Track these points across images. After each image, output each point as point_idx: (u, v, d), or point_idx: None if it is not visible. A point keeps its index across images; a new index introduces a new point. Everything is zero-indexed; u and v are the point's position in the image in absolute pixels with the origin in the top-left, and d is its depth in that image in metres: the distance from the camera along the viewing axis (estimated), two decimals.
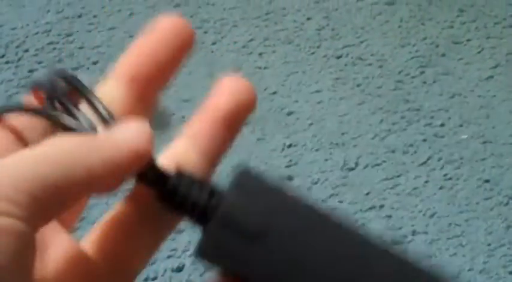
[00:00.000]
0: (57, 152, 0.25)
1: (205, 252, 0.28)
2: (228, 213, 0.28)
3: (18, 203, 0.23)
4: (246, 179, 0.29)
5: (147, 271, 1.00)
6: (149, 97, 0.30)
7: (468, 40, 1.37)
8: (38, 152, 0.24)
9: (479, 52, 1.36)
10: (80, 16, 1.35)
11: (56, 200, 0.24)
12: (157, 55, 0.29)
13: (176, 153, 0.30)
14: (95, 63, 1.27)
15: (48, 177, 0.24)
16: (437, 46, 1.37)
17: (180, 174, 0.29)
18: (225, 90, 0.30)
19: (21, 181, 0.23)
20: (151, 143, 0.27)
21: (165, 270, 1.01)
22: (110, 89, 0.29)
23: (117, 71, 0.30)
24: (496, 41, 1.37)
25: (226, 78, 0.30)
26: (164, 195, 0.28)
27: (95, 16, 1.35)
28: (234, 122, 0.30)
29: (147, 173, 0.28)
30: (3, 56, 1.25)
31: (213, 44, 1.34)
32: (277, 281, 0.28)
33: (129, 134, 0.26)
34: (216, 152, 0.30)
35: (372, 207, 1.12)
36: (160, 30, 0.29)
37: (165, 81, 0.30)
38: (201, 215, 0.29)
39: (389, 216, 1.11)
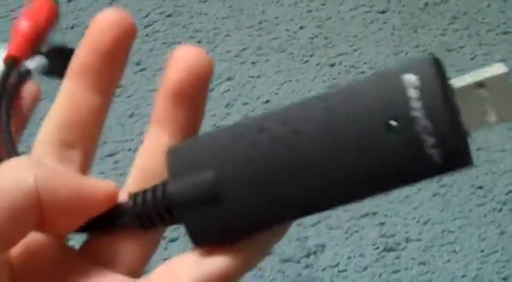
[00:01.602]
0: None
1: (199, 237, 0.28)
2: (179, 196, 0.27)
3: None
4: (176, 155, 0.28)
5: None
6: (106, 89, 0.30)
7: (461, 47, 1.37)
8: None
9: (472, 59, 1.36)
10: None
11: None
12: (100, 47, 0.30)
13: (151, 146, 0.31)
14: None
15: None
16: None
17: (134, 196, 0.29)
18: (176, 61, 0.29)
19: None
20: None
21: None
22: (69, 87, 0.30)
23: (71, 69, 0.30)
24: (489, 47, 1.37)
25: (177, 50, 0.30)
26: (137, 223, 0.29)
27: None
28: (191, 91, 0.29)
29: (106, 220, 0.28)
30: None
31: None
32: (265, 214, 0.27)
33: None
34: (185, 129, 0.30)
35: (365, 215, 1.11)
36: (100, 23, 0.30)
37: (115, 72, 0.31)
38: (167, 215, 0.29)
39: (383, 224, 1.11)
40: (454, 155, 0.24)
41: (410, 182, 0.25)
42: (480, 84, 0.26)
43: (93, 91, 0.30)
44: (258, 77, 1.31)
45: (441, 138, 0.24)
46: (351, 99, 0.25)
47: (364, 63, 1.35)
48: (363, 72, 1.33)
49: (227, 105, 1.25)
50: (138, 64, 1.30)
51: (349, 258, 1.07)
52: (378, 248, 1.08)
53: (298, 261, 1.06)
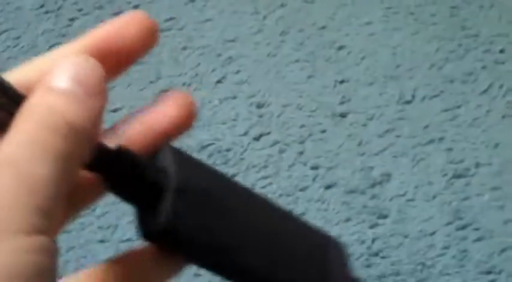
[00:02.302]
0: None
1: (174, 227, 0.28)
2: (182, 185, 0.28)
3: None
4: (177, 153, 0.29)
5: None
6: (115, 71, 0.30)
7: None
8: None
9: None
10: None
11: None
12: (121, 38, 0.29)
13: None
14: (136, 7, 1.24)
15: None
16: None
17: (124, 153, 0.28)
18: (167, 106, 0.30)
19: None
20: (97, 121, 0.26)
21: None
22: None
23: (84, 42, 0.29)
24: None
25: (170, 93, 0.31)
26: (114, 179, 0.28)
27: None
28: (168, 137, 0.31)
29: (95, 158, 0.26)
30: (42, 6, 1.23)
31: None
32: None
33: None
34: None
35: (432, 141, 1.08)
36: (126, 20, 0.30)
37: (121, 67, 0.30)
38: (152, 192, 0.28)
39: (450, 149, 1.07)
40: None
41: None
42: None
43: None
44: (312, 2, 1.26)
45: None
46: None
47: None
48: None
49: (281, 33, 1.21)
50: None
51: (416, 186, 1.03)
52: (446, 174, 1.04)
53: (364, 192, 1.03)
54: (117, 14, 1.21)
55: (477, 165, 1.05)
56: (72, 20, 1.21)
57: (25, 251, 0.21)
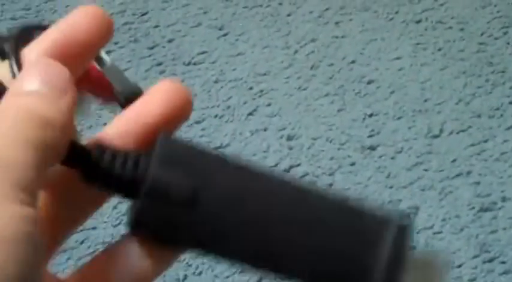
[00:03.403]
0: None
1: (140, 223, 0.28)
2: (157, 182, 0.28)
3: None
4: (168, 146, 0.29)
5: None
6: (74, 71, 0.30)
7: None
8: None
9: None
10: None
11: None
12: (75, 36, 0.30)
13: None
14: (170, 41, 1.26)
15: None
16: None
17: (101, 148, 0.28)
18: (158, 95, 0.30)
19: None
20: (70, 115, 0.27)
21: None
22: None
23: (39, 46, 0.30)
24: None
25: (161, 83, 0.30)
26: (88, 173, 0.28)
27: None
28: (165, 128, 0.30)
29: (69, 153, 0.27)
30: None
31: (288, 15, 1.32)
32: (213, 243, 0.28)
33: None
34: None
35: (459, 174, 1.09)
36: (78, 15, 0.30)
37: (82, 62, 0.31)
38: (128, 187, 0.28)
39: (478, 183, 1.08)
40: None
41: None
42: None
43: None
44: (343, 37, 1.28)
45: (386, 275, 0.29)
46: (346, 213, 0.30)
47: (451, 18, 1.31)
48: (450, 27, 1.30)
49: (312, 67, 1.23)
50: (220, 29, 1.29)
51: (443, 219, 1.04)
52: (473, 208, 1.05)
53: None
54: (151, 48, 1.24)
55: (504, 199, 1.06)
56: (108, 53, 1.23)
57: (18, 217, 0.23)
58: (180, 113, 0.30)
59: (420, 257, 0.31)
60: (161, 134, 0.29)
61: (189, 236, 0.28)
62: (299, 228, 0.29)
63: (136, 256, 0.29)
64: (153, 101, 0.29)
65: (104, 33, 0.31)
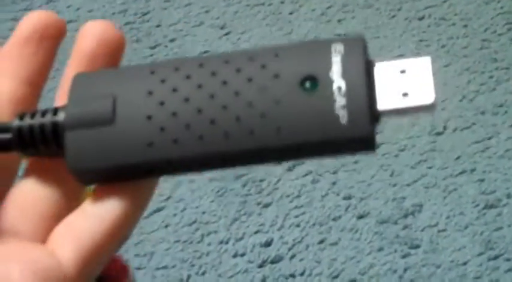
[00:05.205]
0: None
1: (80, 161, 0.26)
2: (73, 115, 0.27)
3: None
4: (81, 79, 0.28)
5: (236, 247, 1.00)
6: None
7: None
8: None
9: None
10: None
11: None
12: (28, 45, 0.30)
13: None
14: (172, 40, 1.26)
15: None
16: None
17: (20, 115, 0.28)
18: (87, 34, 0.30)
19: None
20: None
21: (254, 246, 1.00)
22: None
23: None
24: None
25: (86, 24, 0.30)
26: (18, 144, 0.27)
27: None
28: (102, 63, 0.29)
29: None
30: None
31: (290, 13, 1.31)
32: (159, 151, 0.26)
33: None
34: None
35: (463, 172, 1.08)
36: (29, 22, 0.30)
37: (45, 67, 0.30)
38: (54, 136, 0.27)
39: (482, 180, 1.07)
40: (360, 121, 0.26)
41: (316, 145, 0.26)
42: (402, 70, 0.27)
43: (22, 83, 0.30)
44: (345, 35, 1.28)
45: (352, 100, 0.25)
46: (276, 53, 0.27)
47: (455, 14, 1.31)
48: (453, 24, 1.29)
49: None
50: (222, 28, 1.28)
51: (448, 217, 1.04)
52: (477, 205, 1.05)
53: (396, 222, 1.04)
54: (153, 47, 1.24)
55: (509, 195, 1.06)
56: None
57: None
58: (111, 44, 0.30)
59: None
60: (75, 74, 0.28)
61: (128, 155, 0.26)
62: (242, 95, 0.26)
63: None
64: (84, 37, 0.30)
65: (56, 37, 0.31)
